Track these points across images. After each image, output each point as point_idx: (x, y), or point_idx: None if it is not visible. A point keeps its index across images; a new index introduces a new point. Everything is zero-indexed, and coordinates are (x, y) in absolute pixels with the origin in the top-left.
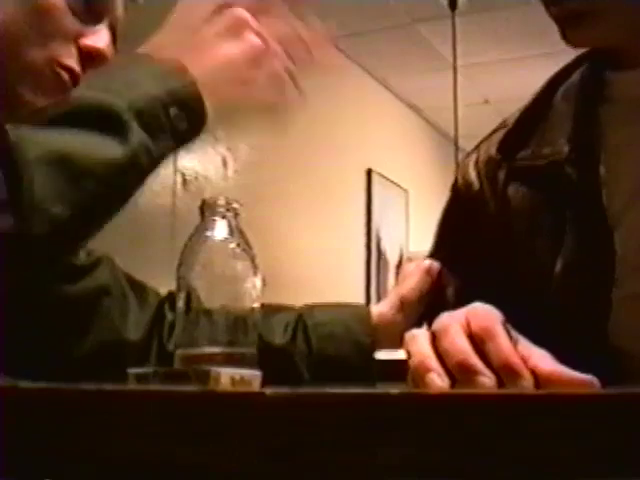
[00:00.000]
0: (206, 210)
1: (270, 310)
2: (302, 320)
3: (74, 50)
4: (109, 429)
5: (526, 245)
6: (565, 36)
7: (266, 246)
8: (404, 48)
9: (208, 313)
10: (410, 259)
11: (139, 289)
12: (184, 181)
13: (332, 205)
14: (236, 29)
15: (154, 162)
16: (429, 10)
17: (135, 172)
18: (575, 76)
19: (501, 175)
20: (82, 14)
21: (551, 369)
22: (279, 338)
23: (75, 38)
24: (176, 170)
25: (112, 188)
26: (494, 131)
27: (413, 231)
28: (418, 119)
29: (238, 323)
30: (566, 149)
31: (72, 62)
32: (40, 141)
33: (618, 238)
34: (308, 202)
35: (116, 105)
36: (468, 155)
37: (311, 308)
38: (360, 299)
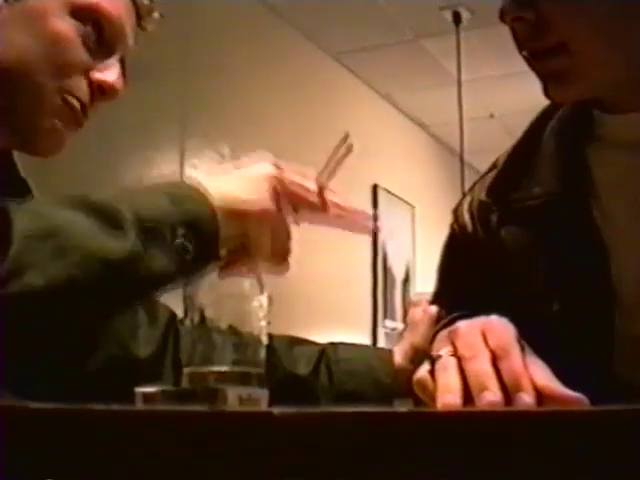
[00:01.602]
0: None
1: (294, 342)
2: (326, 354)
3: (85, 83)
4: (117, 449)
5: (522, 285)
6: (547, 93)
7: None
8: (409, 64)
9: (216, 331)
10: (415, 303)
11: (149, 305)
12: None
13: None
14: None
15: (151, 273)
16: (433, 26)
17: (125, 273)
18: (562, 114)
19: (493, 218)
20: (94, 48)
21: (544, 384)
22: (302, 369)
23: (86, 71)
24: None
25: (91, 277)
26: (488, 171)
27: (419, 246)
28: (423, 134)
29: (246, 342)
30: (557, 188)
31: (82, 95)
32: (37, 214)
33: (614, 275)
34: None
35: (120, 207)
36: (464, 197)
37: (335, 345)
38: (367, 315)
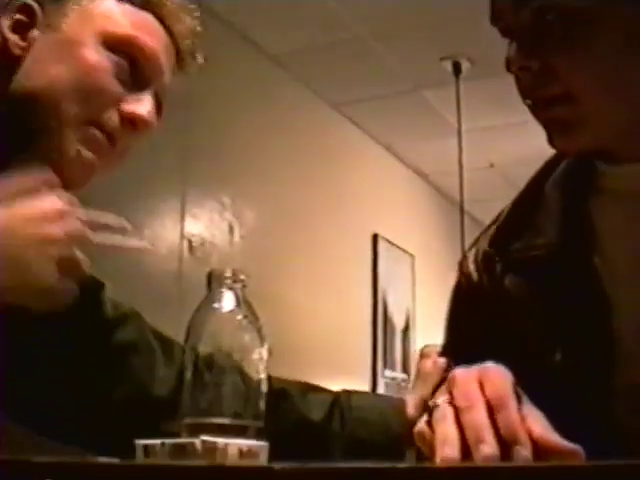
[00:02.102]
0: (213, 281)
1: (308, 388)
2: (339, 401)
3: (116, 115)
4: None
5: (524, 334)
6: (552, 143)
7: (272, 312)
8: (409, 114)
9: (216, 383)
10: (425, 354)
11: (166, 344)
12: (190, 247)
13: (338, 270)
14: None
15: None
16: (433, 76)
17: None
18: (564, 165)
19: (497, 268)
20: (127, 81)
21: (540, 435)
22: (316, 414)
23: (118, 103)
24: (183, 236)
25: None
26: (492, 223)
27: (419, 296)
28: (424, 184)
29: (247, 394)
30: (559, 239)
31: (112, 126)
32: None
33: (615, 325)
34: (314, 267)
35: None
36: (469, 249)
37: (349, 392)
38: (366, 364)
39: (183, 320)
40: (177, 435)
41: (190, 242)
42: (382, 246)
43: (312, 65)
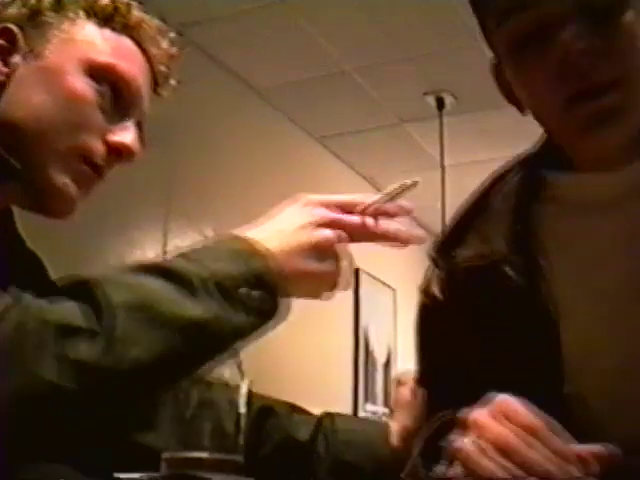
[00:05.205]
0: None
1: (294, 408)
2: (323, 424)
3: (101, 145)
4: None
5: (475, 343)
6: (589, 137)
7: (253, 346)
8: (392, 148)
9: (196, 418)
10: (401, 382)
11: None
12: None
13: (320, 303)
14: (317, 225)
15: (234, 333)
16: (417, 110)
17: (209, 337)
18: (513, 176)
19: (442, 275)
20: (110, 109)
21: (581, 450)
22: (302, 434)
23: (102, 132)
24: None
25: (188, 343)
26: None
27: (401, 330)
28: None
29: (226, 429)
30: (504, 249)
31: (98, 155)
32: (126, 285)
33: (563, 335)
34: (296, 300)
35: (199, 274)
36: (429, 273)
37: (332, 415)
38: (348, 398)
39: None
40: None
41: None
42: (364, 280)
43: (297, 99)
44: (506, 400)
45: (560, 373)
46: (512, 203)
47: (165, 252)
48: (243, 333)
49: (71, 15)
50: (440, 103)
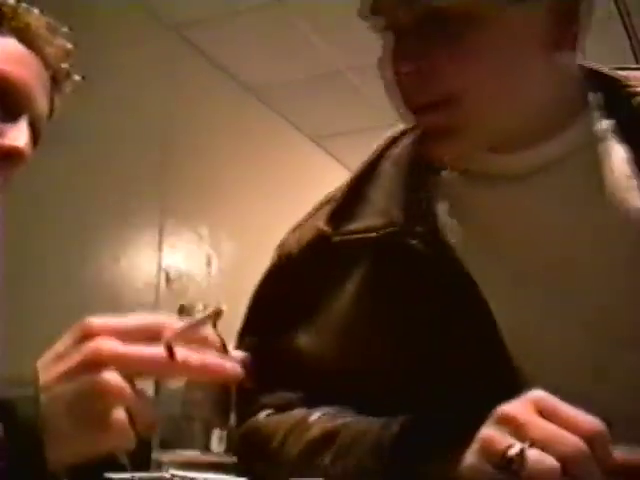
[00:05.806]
0: (184, 315)
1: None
2: None
3: None
4: None
5: (374, 318)
6: (427, 150)
7: None
8: None
9: (187, 417)
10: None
11: None
12: (168, 280)
13: None
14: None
15: None
16: None
17: None
18: (403, 145)
19: (331, 248)
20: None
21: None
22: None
23: None
24: (160, 268)
25: None
26: (319, 207)
27: None
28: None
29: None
30: (402, 219)
31: None
32: None
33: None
34: None
35: None
36: (293, 230)
37: None
38: None
39: None
40: None
41: (167, 275)
42: None
43: (292, 98)
44: (536, 394)
45: (505, 359)
46: (405, 173)
47: (160, 250)
48: None
49: None
50: None
